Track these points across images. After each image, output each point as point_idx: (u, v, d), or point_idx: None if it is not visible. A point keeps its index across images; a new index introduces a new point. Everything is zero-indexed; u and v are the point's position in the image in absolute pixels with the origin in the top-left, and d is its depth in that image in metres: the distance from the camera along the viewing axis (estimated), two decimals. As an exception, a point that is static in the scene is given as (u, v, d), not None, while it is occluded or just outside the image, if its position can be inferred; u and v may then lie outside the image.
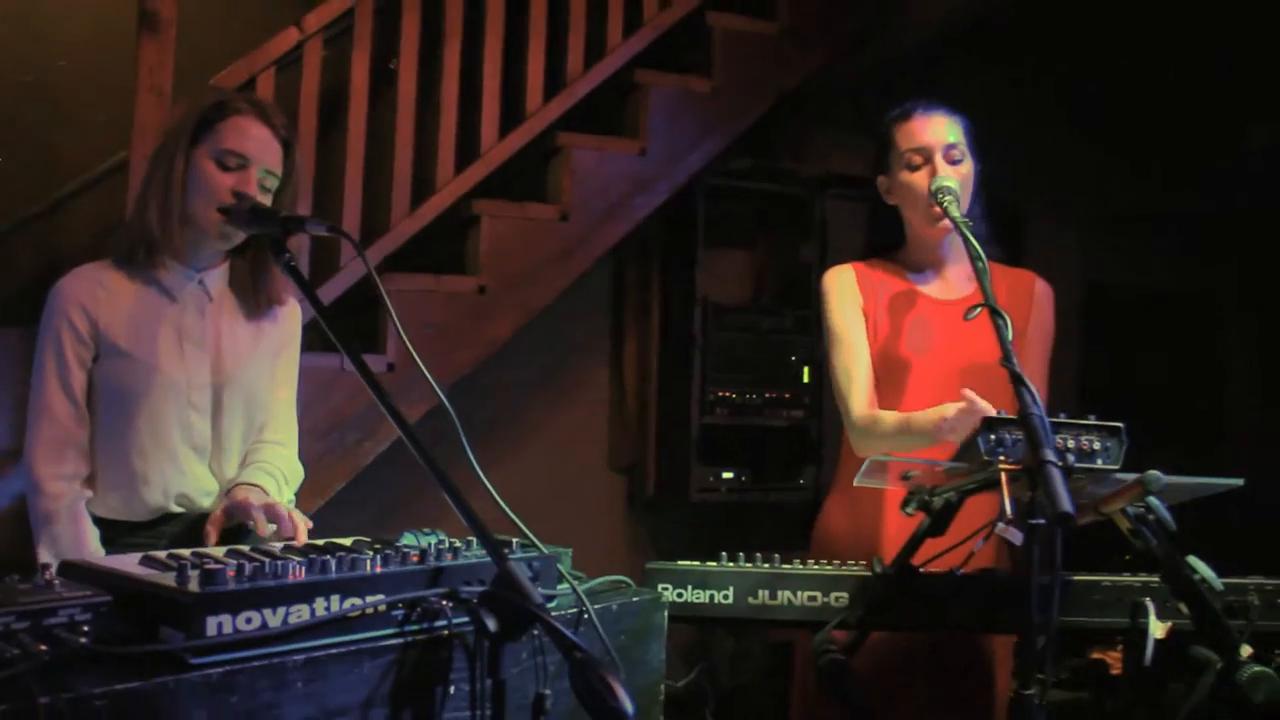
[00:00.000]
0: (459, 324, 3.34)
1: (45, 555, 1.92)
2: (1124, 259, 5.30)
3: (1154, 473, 1.67)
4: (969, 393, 1.96)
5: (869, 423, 2.24)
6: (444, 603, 1.41)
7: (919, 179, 2.26)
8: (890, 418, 2.20)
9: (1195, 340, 5.49)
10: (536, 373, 4.23)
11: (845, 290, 2.36)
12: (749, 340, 4.40)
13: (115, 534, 2.01)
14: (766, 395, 4.41)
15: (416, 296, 3.27)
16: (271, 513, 1.86)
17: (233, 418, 2.07)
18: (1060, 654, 2.30)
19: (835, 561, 2.03)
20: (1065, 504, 1.45)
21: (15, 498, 2.92)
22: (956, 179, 2.22)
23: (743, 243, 4.72)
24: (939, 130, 2.28)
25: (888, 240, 2.41)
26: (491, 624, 1.35)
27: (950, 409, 2.00)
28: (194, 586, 1.24)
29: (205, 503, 2.06)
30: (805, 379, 4.46)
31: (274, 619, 1.27)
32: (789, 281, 4.66)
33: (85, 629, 1.19)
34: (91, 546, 1.94)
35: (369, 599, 1.36)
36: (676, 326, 4.41)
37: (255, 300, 2.11)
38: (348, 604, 1.34)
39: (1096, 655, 3.82)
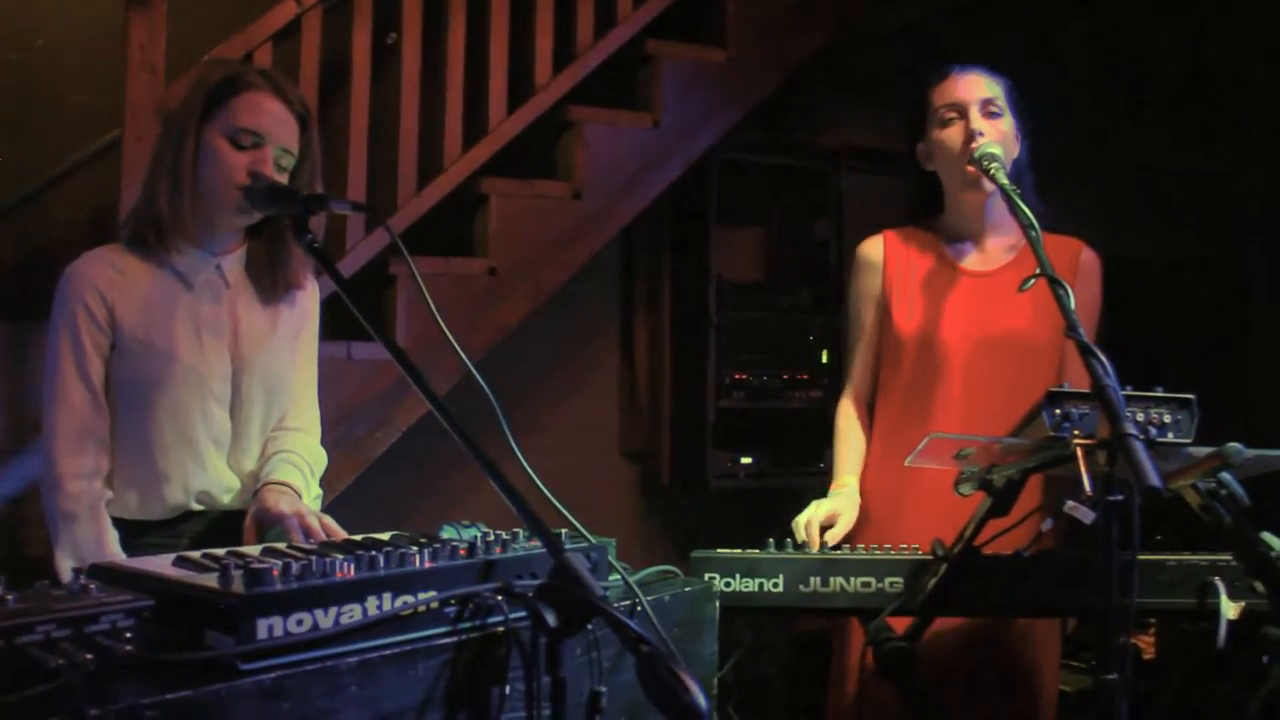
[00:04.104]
0: (470, 308, 3.29)
1: (64, 557, 1.87)
2: (1143, 227, 5.26)
3: (1235, 445, 1.63)
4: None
5: (835, 420, 2.42)
6: (498, 598, 1.37)
7: (952, 134, 2.24)
8: (840, 443, 2.39)
9: (1220, 310, 5.45)
10: (543, 358, 4.18)
11: (868, 268, 2.40)
12: (765, 320, 4.36)
13: (131, 534, 1.95)
14: (784, 377, 4.37)
15: (424, 280, 3.18)
16: (303, 524, 1.80)
17: (252, 408, 2.02)
18: (1092, 638, 2.30)
19: (886, 546, 2.00)
20: (1154, 478, 1.40)
21: (4, 500, 2.87)
22: (995, 136, 2.19)
23: (756, 219, 4.67)
24: (975, 85, 2.25)
25: (926, 212, 2.38)
26: (551, 619, 1.31)
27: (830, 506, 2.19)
28: (240, 588, 1.19)
29: (225, 499, 2.02)
30: (824, 359, 4.42)
31: (325, 620, 1.22)
32: (805, 258, 4.61)
33: (128, 635, 1.14)
34: (112, 549, 1.89)
35: (421, 596, 1.31)
36: (689, 307, 4.35)
37: (273, 283, 2.06)
38: (399, 602, 1.29)
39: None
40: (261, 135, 1.93)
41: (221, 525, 1.99)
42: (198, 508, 2.00)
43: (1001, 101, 2.25)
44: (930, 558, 1.91)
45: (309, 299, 2.15)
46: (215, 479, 2.00)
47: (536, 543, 1.45)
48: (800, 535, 2.11)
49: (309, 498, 1.99)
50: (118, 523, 1.96)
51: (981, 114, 2.22)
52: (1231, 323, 5.48)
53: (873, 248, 2.39)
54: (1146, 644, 3.79)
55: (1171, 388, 1.73)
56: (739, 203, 4.46)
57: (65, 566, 1.85)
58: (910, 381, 2.30)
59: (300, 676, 1.18)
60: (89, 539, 1.88)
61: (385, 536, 1.58)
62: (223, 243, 2.03)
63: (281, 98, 1.96)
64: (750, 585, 1.94)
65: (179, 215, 1.94)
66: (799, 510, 2.18)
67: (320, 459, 2.11)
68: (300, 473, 2.00)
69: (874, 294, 2.37)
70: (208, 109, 1.93)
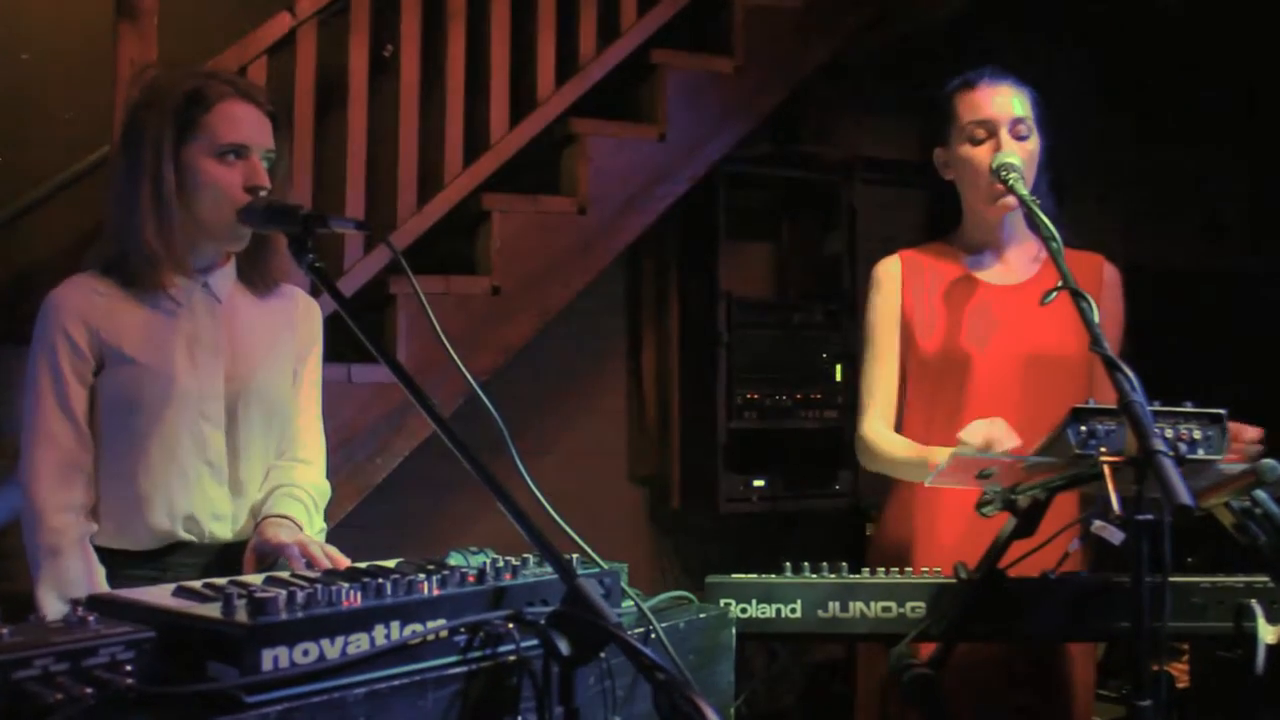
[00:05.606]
0: (473, 328, 3.29)
1: (48, 594, 1.85)
2: (1164, 236, 5.26)
3: (1270, 461, 1.63)
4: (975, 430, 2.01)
5: (872, 440, 2.31)
6: (509, 626, 1.37)
7: (981, 154, 2.24)
8: (902, 447, 2.25)
9: (1235, 321, 5.43)
10: (548, 379, 4.19)
11: (885, 288, 2.39)
12: (776, 337, 4.36)
13: (113, 565, 1.93)
14: (797, 396, 4.37)
15: (426, 300, 3.19)
16: (306, 552, 1.79)
17: (249, 429, 2.01)
18: (1121, 665, 2.28)
19: (907, 569, 1.99)
20: (1184, 496, 1.40)
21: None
22: (1022, 156, 2.20)
23: (766, 234, 4.69)
24: (1006, 103, 2.25)
25: (946, 224, 2.39)
26: (564, 647, 1.31)
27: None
28: (244, 617, 1.20)
29: (215, 527, 1.99)
30: (838, 377, 4.42)
31: (332, 650, 1.23)
32: (817, 273, 4.62)
33: (128, 668, 1.15)
34: (101, 585, 1.87)
35: (430, 624, 1.32)
36: (698, 325, 4.36)
37: (263, 282, 2.06)
38: (408, 631, 1.30)
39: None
40: (246, 146, 1.92)
41: (217, 563, 1.97)
42: (186, 537, 1.97)
43: (1030, 121, 2.26)
44: (953, 581, 1.91)
45: (312, 320, 2.15)
46: (203, 504, 1.97)
47: (547, 568, 1.45)
48: (976, 440, 2.01)
49: (312, 531, 1.97)
50: (98, 552, 1.93)
51: (1012, 135, 2.23)
52: (1264, 336, 5.46)
53: (889, 267, 2.40)
54: (1180, 671, 3.77)
55: (1201, 403, 1.73)
56: (748, 217, 4.48)
57: (50, 604, 1.83)
58: (935, 399, 2.30)
59: (307, 709, 1.18)
60: (76, 574, 1.86)
61: (391, 564, 1.59)
62: (209, 260, 2.02)
63: (253, 101, 1.95)
64: (767, 611, 1.93)
65: (171, 246, 1.91)
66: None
67: (324, 491, 2.11)
68: (303, 506, 1.99)
69: (893, 314, 2.36)
70: (180, 130, 1.90)
